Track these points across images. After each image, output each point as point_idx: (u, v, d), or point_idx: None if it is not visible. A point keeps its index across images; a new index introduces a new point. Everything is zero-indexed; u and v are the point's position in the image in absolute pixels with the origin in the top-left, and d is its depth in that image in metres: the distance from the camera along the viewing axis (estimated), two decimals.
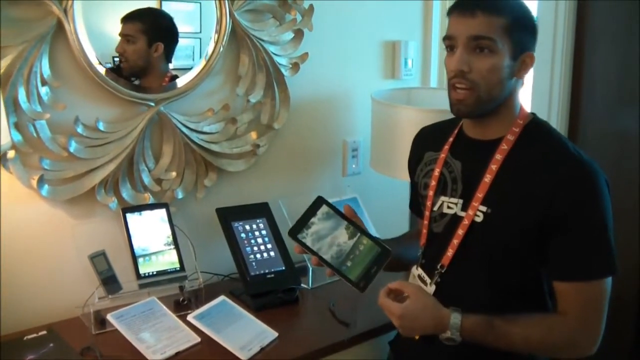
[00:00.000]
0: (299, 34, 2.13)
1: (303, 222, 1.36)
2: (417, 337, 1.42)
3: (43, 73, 1.64)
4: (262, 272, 1.89)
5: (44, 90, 1.65)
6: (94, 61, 1.72)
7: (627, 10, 2.66)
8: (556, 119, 2.84)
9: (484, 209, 1.37)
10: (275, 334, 1.65)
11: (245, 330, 1.65)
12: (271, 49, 2.06)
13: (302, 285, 1.98)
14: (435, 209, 1.48)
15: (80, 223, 1.81)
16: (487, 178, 1.37)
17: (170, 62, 1.93)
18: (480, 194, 1.37)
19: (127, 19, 1.81)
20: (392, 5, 2.40)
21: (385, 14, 2.39)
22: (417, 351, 1.49)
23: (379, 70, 2.50)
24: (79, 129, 1.73)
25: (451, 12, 1.37)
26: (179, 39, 1.93)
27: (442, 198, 1.47)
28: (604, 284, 1.34)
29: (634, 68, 2.69)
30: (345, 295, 1.93)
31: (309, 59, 2.16)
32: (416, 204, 1.65)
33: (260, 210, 2.02)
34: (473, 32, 1.31)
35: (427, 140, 1.62)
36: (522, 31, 1.35)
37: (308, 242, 1.35)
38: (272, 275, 1.90)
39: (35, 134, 1.66)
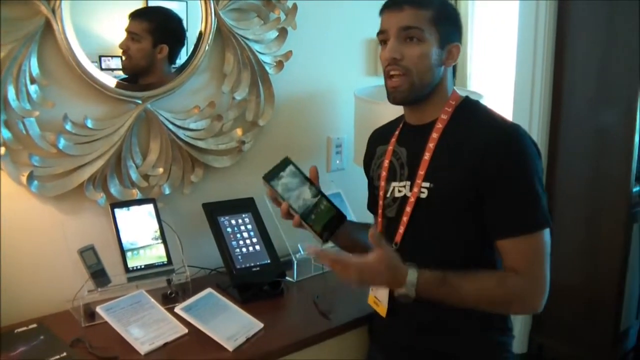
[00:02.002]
0: (282, 33, 2.16)
1: (274, 173, 1.50)
2: (385, 315, 1.54)
3: (32, 72, 1.66)
4: (247, 265, 1.92)
5: (33, 89, 1.68)
6: (82, 60, 1.74)
7: (608, 10, 2.72)
8: (538, 117, 2.89)
9: (427, 184, 1.46)
10: (261, 325, 1.68)
11: (232, 322, 1.68)
12: (256, 47, 2.10)
13: (287, 278, 2.01)
14: (388, 195, 1.57)
15: (69, 218, 1.84)
16: (427, 156, 1.47)
17: (174, 63, 1.96)
18: (422, 172, 1.46)
19: (135, 15, 1.83)
20: (374, 4, 2.42)
21: (367, 11, 2.42)
22: (390, 327, 1.59)
23: (362, 67, 2.54)
24: (68, 127, 1.75)
25: (382, 10, 1.51)
26: None
27: (393, 184, 1.56)
28: (541, 236, 1.40)
29: (613, 67, 2.74)
30: (328, 288, 1.98)
31: (293, 57, 2.20)
32: (374, 203, 1.72)
33: (246, 205, 2.05)
34: (402, 23, 1.44)
35: (377, 139, 1.73)
36: (447, 23, 1.47)
37: (279, 189, 1.48)
38: (258, 269, 1.93)
39: (24, 131, 1.68)
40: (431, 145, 1.47)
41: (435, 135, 1.48)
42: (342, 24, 2.40)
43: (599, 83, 2.81)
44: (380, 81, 2.50)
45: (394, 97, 1.50)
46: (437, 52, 1.46)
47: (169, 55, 1.92)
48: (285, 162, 1.53)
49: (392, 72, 1.47)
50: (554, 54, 2.88)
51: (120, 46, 1.83)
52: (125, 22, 1.83)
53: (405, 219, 1.50)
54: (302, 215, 1.47)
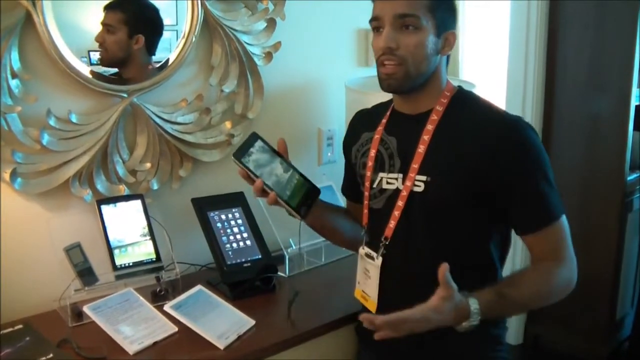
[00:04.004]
0: (271, 23, 2.13)
1: (244, 150, 1.44)
2: (374, 311, 1.51)
3: (13, 65, 1.63)
4: (238, 261, 1.90)
5: (14, 83, 1.64)
6: (65, 53, 1.71)
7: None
8: (531, 105, 2.89)
9: (423, 178, 1.42)
10: (252, 322, 1.66)
11: (223, 319, 1.65)
12: (244, 38, 2.06)
13: (279, 273, 1.98)
14: (374, 186, 1.53)
15: (55, 216, 1.80)
16: (421, 148, 1.43)
17: (154, 54, 1.92)
18: (415, 165, 1.43)
19: (110, 7, 1.80)
20: None
21: (357, 2, 2.39)
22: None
23: (353, 58, 2.51)
24: (52, 122, 1.72)
25: None
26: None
27: (381, 174, 1.52)
28: (563, 221, 1.42)
29: (606, 55, 2.74)
30: (320, 284, 1.96)
31: (282, 48, 2.16)
32: (349, 187, 1.73)
33: (236, 200, 2.02)
34: (398, 11, 1.37)
35: (363, 123, 1.68)
36: (444, 10, 1.42)
37: (251, 166, 1.43)
38: (249, 264, 1.90)
39: (6, 127, 1.65)
40: (426, 137, 1.43)
41: (430, 127, 1.43)
42: (332, 14, 2.37)
43: (591, 71, 2.81)
44: (371, 72, 2.47)
45: (388, 84, 1.43)
46: (433, 41, 1.40)
47: (146, 45, 1.88)
48: (253, 137, 1.48)
49: (386, 62, 1.41)
50: (547, 42, 2.86)
51: (96, 39, 1.80)
52: (93, 17, 1.79)
53: (397, 213, 1.46)
54: (277, 192, 1.43)
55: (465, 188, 1.39)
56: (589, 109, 2.84)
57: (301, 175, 1.50)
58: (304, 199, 1.47)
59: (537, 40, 2.83)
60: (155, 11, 1.90)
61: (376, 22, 1.43)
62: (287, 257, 2.02)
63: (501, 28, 2.92)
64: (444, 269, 1.24)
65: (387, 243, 1.48)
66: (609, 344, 3.02)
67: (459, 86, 1.52)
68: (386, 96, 1.59)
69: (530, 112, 2.88)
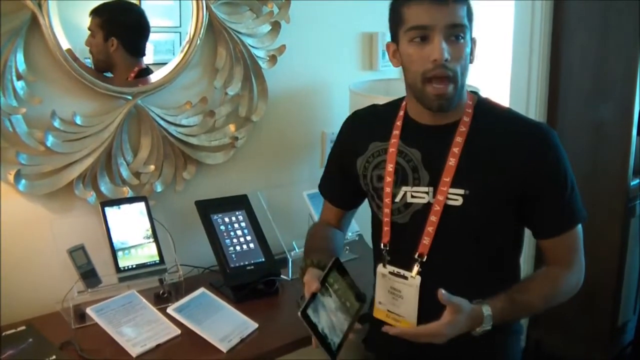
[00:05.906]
0: (276, 26, 2.13)
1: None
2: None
3: (18, 67, 1.63)
4: (241, 264, 1.89)
5: (19, 85, 1.64)
6: (70, 55, 1.71)
7: (603, 5, 2.70)
8: (534, 110, 2.88)
9: (460, 191, 1.38)
10: (255, 325, 1.66)
11: (226, 322, 1.65)
12: (248, 41, 2.06)
13: (282, 276, 1.98)
14: (397, 200, 1.45)
15: (58, 217, 1.80)
16: (452, 162, 1.38)
17: (141, 55, 1.93)
18: (447, 178, 1.38)
19: (91, 12, 1.81)
20: None
21: (362, 5, 2.39)
22: (395, 344, 1.48)
23: (357, 61, 2.51)
24: (56, 123, 1.72)
25: (421, 1, 1.30)
26: (160, 34, 1.95)
27: (404, 188, 1.44)
28: (579, 227, 1.46)
29: (610, 61, 2.73)
30: None
31: (287, 51, 2.16)
32: (340, 194, 1.69)
33: (240, 203, 2.02)
34: (451, 21, 1.29)
35: (367, 130, 1.56)
36: (473, 16, 1.37)
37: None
38: (252, 267, 1.90)
39: (11, 129, 1.65)
40: (456, 150, 1.38)
41: (459, 139, 1.38)
42: (337, 17, 2.37)
43: (595, 77, 2.80)
44: (375, 75, 2.49)
45: (440, 105, 1.34)
46: (470, 50, 1.35)
47: (125, 47, 1.87)
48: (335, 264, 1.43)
49: (437, 83, 1.31)
50: (550, 49, 2.86)
51: (85, 44, 1.81)
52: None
53: (430, 229, 1.39)
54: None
55: (503, 199, 1.39)
56: (592, 115, 2.83)
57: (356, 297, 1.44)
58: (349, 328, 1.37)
59: (541, 47, 2.82)
60: (132, 13, 1.91)
61: (422, 31, 1.31)
62: (290, 260, 2.02)
63: (504, 35, 2.91)
64: (440, 295, 1.26)
65: (422, 261, 1.41)
66: (611, 350, 3.00)
67: (475, 92, 1.48)
68: (388, 101, 1.58)
69: (533, 117, 2.88)
